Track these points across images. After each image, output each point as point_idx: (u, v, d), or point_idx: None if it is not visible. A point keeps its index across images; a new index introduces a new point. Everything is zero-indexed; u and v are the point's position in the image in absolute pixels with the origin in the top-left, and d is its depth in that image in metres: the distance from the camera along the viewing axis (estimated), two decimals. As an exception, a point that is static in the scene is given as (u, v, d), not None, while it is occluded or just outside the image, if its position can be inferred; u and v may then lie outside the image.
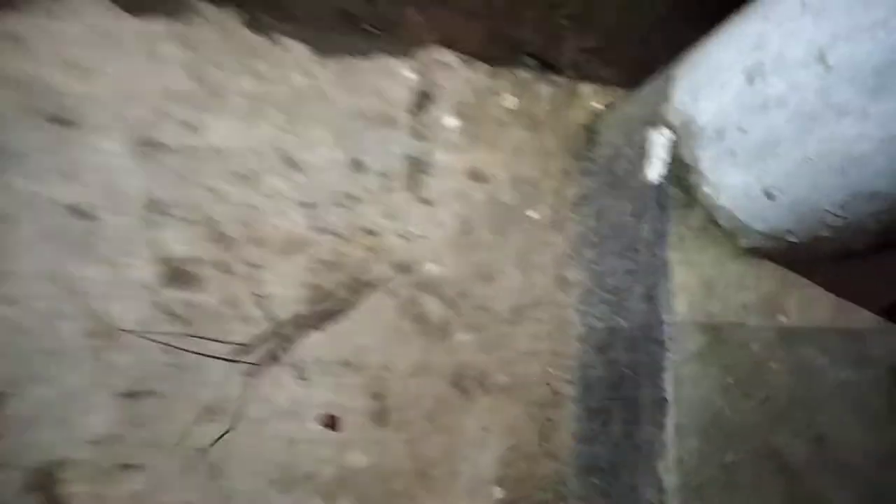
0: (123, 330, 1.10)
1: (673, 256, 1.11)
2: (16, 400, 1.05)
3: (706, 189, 1.11)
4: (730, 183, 1.07)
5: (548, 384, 1.35)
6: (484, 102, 1.38)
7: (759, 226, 1.07)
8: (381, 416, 1.23)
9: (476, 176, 1.36)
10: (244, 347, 1.16)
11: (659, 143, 1.18)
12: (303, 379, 1.19)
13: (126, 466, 1.08)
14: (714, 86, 1.09)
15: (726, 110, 1.06)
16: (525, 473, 1.32)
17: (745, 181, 1.05)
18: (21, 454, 1.04)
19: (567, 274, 1.39)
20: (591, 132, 1.44)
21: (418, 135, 1.33)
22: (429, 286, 1.30)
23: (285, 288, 1.20)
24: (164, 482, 1.10)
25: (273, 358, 1.17)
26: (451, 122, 1.36)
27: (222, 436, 1.12)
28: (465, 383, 1.30)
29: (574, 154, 1.43)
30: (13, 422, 1.04)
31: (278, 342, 1.18)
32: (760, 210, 1.05)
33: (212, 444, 1.12)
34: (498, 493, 1.30)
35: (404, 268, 1.29)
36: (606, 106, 1.45)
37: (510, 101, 1.40)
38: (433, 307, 1.30)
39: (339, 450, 1.19)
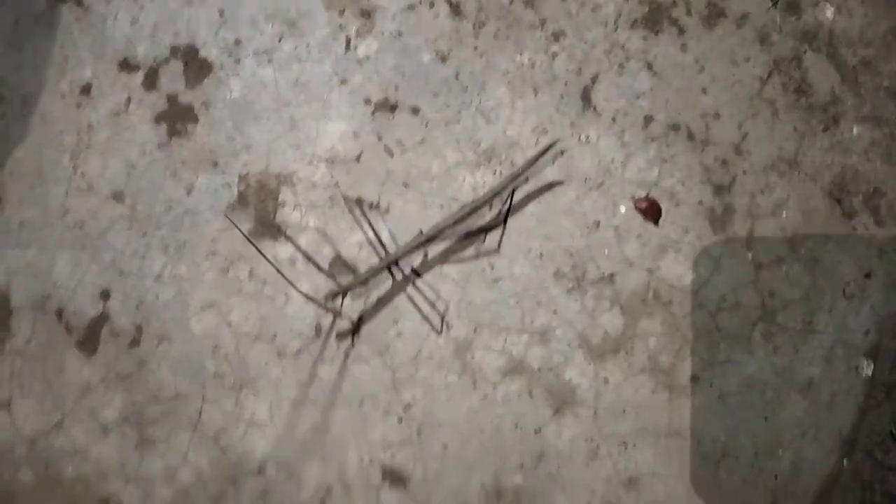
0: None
1: None
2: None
3: None
4: None
5: None
6: None
7: None
8: (721, 219, 0.83)
9: None
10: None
11: None
12: (621, 140, 0.83)
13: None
14: None
15: None
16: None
17: None
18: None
19: None
20: None
21: None
22: (822, 40, 0.84)
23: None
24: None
25: (585, 99, 0.83)
26: None
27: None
28: (849, 200, 0.85)
29: None
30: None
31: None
32: None
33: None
34: (867, 368, 0.86)
35: (792, 4, 0.83)
36: None
37: None
38: (820, 74, 0.84)
39: (657, 252, 0.83)
